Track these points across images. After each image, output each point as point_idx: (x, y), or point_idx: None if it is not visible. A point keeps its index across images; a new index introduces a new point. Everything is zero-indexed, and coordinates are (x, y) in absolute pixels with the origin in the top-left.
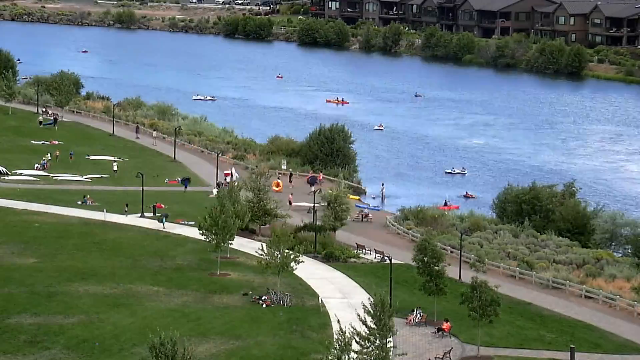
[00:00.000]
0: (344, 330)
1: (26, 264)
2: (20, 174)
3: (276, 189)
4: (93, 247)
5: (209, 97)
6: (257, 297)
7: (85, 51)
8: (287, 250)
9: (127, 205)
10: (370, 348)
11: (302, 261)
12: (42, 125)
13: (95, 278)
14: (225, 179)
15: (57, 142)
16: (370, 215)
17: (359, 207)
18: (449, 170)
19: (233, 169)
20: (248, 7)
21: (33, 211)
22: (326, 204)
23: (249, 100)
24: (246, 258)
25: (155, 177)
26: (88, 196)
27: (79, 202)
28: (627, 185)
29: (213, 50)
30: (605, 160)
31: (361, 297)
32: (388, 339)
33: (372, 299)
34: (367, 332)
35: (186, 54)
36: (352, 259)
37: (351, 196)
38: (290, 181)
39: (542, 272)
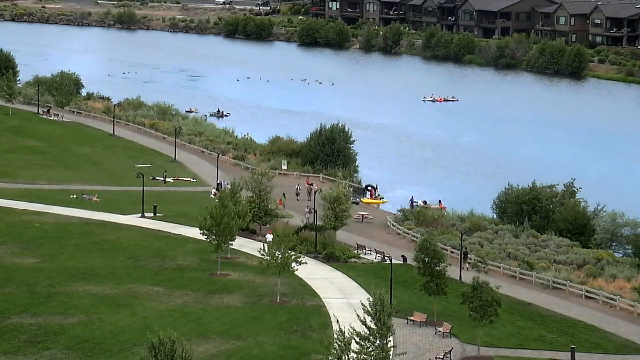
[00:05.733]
0: (343, 330)
1: (26, 264)
2: None
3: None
4: (93, 247)
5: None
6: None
7: None
8: (288, 251)
9: None
10: (371, 348)
11: (305, 262)
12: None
13: (95, 278)
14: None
15: None
16: (370, 216)
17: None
18: None
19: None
20: (249, 7)
21: (33, 211)
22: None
23: (250, 100)
24: (247, 258)
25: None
26: (95, 197)
27: (74, 197)
28: (628, 185)
29: (215, 50)
30: (605, 160)
31: (362, 297)
32: (388, 339)
33: (371, 299)
34: (367, 332)
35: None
36: (353, 259)
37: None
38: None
39: (542, 272)
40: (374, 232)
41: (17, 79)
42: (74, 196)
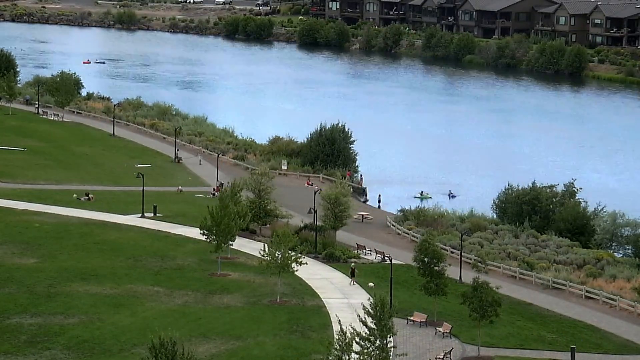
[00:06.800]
0: (344, 330)
1: (26, 264)
2: None
3: None
4: (93, 247)
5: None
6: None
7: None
8: (288, 251)
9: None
10: (371, 348)
11: (305, 263)
12: None
13: (95, 278)
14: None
15: None
16: (370, 216)
17: None
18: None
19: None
20: (249, 7)
21: (33, 211)
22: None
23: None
24: (246, 258)
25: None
26: (91, 196)
27: (78, 198)
28: (628, 185)
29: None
30: (605, 160)
31: (362, 297)
32: (388, 339)
33: (372, 300)
34: (367, 332)
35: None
36: (353, 259)
37: None
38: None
39: (542, 272)
40: (374, 232)
41: (17, 79)
42: (76, 196)
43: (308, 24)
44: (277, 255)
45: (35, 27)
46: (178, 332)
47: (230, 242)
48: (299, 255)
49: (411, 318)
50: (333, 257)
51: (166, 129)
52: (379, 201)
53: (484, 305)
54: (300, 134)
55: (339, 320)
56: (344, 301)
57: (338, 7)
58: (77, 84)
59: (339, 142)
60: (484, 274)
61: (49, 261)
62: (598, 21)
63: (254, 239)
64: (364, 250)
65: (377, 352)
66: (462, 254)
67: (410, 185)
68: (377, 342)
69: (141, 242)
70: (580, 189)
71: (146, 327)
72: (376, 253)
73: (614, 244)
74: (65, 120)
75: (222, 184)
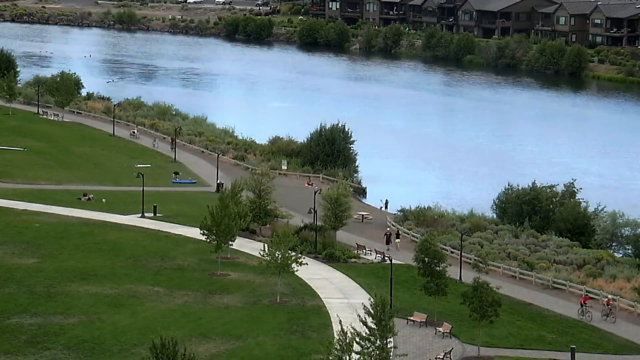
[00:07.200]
0: (345, 330)
1: (26, 264)
2: None
3: None
4: (93, 247)
5: None
6: None
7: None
8: (288, 251)
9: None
10: (371, 348)
11: (306, 263)
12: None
13: (95, 278)
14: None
15: None
16: (370, 216)
17: None
18: None
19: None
20: (249, 7)
21: (33, 211)
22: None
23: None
24: (247, 258)
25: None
26: (92, 196)
27: (78, 198)
28: (628, 185)
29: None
30: (605, 160)
31: (362, 297)
32: (388, 340)
33: (372, 300)
34: (368, 332)
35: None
36: (353, 259)
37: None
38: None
39: (542, 272)
40: (374, 232)
41: (18, 79)
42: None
43: (308, 24)
44: (277, 255)
45: (35, 27)
46: (178, 332)
47: (230, 242)
48: (299, 255)
49: (411, 318)
50: (333, 257)
51: (166, 129)
52: (386, 206)
53: (484, 305)
54: (300, 134)
55: (340, 320)
56: (344, 301)
57: (338, 7)
58: (77, 84)
59: (339, 142)
60: (484, 274)
61: (49, 261)
62: (598, 21)
63: (254, 239)
64: (364, 250)
65: (378, 352)
66: (462, 254)
67: (409, 185)
68: (378, 342)
69: (141, 242)
70: (580, 189)
71: (146, 327)
72: (376, 253)
73: (614, 244)
74: (64, 120)
75: (221, 184)
